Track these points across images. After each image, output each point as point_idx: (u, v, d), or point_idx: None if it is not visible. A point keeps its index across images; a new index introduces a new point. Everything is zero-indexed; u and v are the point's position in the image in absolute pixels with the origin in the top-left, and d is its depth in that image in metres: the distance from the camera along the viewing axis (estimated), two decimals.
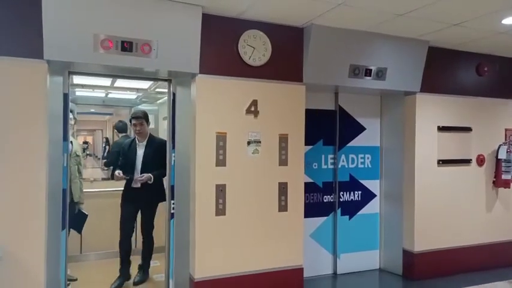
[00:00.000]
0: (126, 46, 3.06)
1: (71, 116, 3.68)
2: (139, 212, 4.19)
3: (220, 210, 3.51)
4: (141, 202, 4.11)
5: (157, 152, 4.03)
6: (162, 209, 4.13)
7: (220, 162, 3.51)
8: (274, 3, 3.21)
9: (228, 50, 3.52)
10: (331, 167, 4.59)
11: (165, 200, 3.83)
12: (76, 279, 4.18)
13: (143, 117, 4.14)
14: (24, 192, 2.88)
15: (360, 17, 3.52)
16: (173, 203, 3.61)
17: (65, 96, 3.25)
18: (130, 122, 4.22)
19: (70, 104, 3.46)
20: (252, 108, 3.62)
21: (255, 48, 3.60)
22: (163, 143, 3.94)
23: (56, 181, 3.14)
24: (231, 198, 3.54)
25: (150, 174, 4.01)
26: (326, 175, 4.56)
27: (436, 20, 3.55)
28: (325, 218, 4.56)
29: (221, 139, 3.51)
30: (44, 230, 2.96)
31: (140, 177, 4.00)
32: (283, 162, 3.76)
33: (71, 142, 3.92)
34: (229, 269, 3.54)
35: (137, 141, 4.19)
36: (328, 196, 4.58)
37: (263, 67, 3.65)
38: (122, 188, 4.21)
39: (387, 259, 4.73)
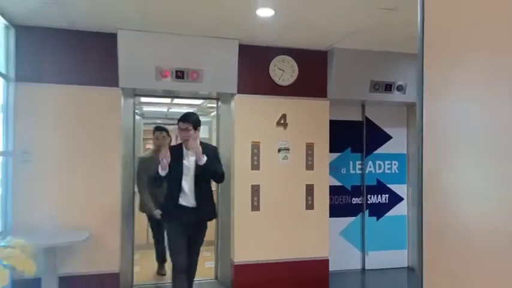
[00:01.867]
0: (179, 74, 3.91)
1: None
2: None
3: (255, 207, 4.22)
4: (192, 221, 3.33)
5: (209, 159, 3.33)
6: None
7: (255, 166, 4.22)
8: (299, 33, 3.88)
9: (261, 73, 4.24)
10: (359, 172, 5.10)
11: (216, 216, 3.69)
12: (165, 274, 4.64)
13: (192, 122, 3.31)
14: (105, 190, 3.84)
15: (374, 40, 4.06)
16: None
17: (133, 113, 4.24)
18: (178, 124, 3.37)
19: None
20: (282, 121, 4.30)
21: (284, 71, 4.29)
22: (214, 149, 3.67)
23: (128, 183, 4.12)
24: (264, 196, 4.23)
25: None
26: (354, 179, 5.08)
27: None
28: (354, 218, 5.06)
29: (255, 147, 4.22)
30: (119, 221, 3.91)
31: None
32: (309, 167, 4.37)
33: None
34: (262, 256, 4.22)
35: (184, 149, 3.37)
36: (357, 198, 5.08)
37: (291, 86, 4.32)
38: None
39: (416, 258, 5.08)
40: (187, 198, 3.31)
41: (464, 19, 1.16)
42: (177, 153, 3.32)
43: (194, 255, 3.47)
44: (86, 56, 3.78)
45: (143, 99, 5.31)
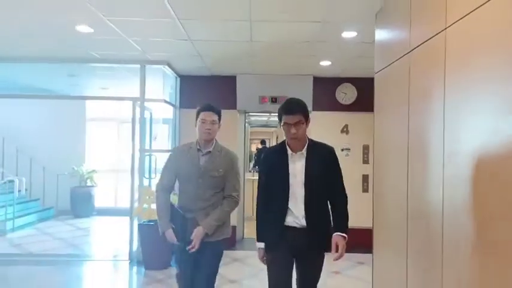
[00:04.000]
0: (274, 100, 6.02)
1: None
2: (295, 263, 2.54)
3: None
4: (302, 250, 2.45)
5: (324, 164, 2.47)
6: None
7: None
8: (354, 69, 5.64)
9: (329, 96, 6.10)
10: None
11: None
12: None
13: (302, 110, 2.41)
14: None
15: None
16: None
17: (244, 124, 6.51)
18: (280, 119, 2.43)
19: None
20: (344, 129, 6.10)
21: (346, 94, 6.08)
22: (330, 149, 2.55)
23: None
24: None
25: None
26: None
27: None
28: None
29: None
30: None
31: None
32: (365, 161, 6.08)
33: None
34: None
35: (289, 150, 2.46)
36: None
37: (351, 104, 6.08)
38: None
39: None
40: (295, 216, 2.40)
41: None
42: (277, 158, 2.46)
43: None
44: (217, 90, 6.12)
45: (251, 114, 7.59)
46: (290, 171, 2.42)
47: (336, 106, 6.11)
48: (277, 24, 3.69)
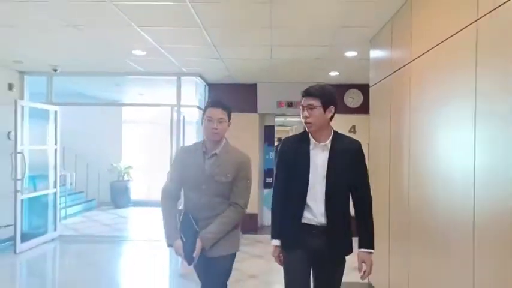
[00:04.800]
0: (289, 104, 6.93)
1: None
2: (313, 270, 2.29)
3: None
4: (320, 253, 2.19)
5: (349, 159, 2.20)
6: None
7: None
8: (361, 76, 6.49)
9: (338, 100, 6.93)
10: None
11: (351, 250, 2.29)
12: None
13: (318, 94, 2.16)
14: None
15: None
16: None
17: (263, 127, 7.45)
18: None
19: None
20: (352, 129, 6.96)
21: (354, 98, 6.94)
22: (357, 144, 2.28)
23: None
24: None
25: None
26: None
27: None
28: None
29: None
30: (258, 193, 7.13)
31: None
32: (369, 157, 6.93)
33: None
34: None
35: (312, 140, 2.21)
36: None
37: (358, 108, 6.94)
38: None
39: None
40: (313, 213, 2.18)
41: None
42: (298, 147, 2.24)
43: None
44: (240, 96, 7.07)
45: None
46: (311, 162, 2.17)
47: (345, 109, 6.98)
48: (293, 47, 4.60)
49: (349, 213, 2.27)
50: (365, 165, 2.28)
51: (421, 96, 2.83)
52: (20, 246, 5.51)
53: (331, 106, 2.22)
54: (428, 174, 2.68)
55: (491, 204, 1.91)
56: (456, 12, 2.28)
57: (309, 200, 2.19)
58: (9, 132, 5.76)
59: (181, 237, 2.39)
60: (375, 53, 4.20)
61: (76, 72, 6.19)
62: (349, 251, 2.27)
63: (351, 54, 4.78)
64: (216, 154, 2.41)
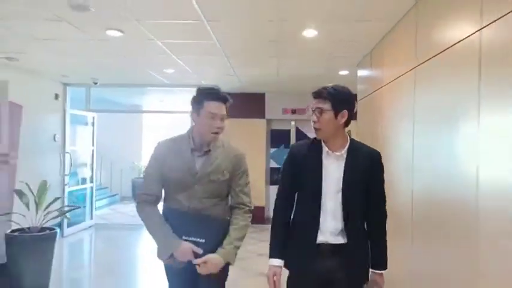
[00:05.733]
0: (293, 111, 7.95)
1: None
2: None
3: None
4: (333, 277, 1.93)
5: (367, 171, 1.98)
6: None
7: None
8: (353, 89, 7.48)
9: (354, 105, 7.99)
10: None
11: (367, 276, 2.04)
12: None
13: (328, 97, 1.94)
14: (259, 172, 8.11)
15: None
16: None
17: (268, 131, 8.49)
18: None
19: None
20: (348, 133, 7.97)
21: None
22: (376, 155, 2.04)
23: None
24: None
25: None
26: None
27: None
28: None
29: None
30: (264, 189, 8.16)
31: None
32: None
33: None
34: None
35: (325, 148, 1.98)
36: None
37: (354, 114, 7.95)
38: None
39: None
40: (327, 231, 1.92)
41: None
42: (308, 155, 1.99)
43: None
44: (250, 103, 8.09)
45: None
46: (324, 174, 1.92)
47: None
48: (296, 69, 5.63)
49: (365, 231, 2.02)
50: (383, 179, 2.05)
51: (388, 111, 3.84)
52: (67, 230, 6.60)
53: (345, 110, 1.96)
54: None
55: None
56: (400, 59, 3.29)
57: (322, 217, 1.92)
58: (54, 135, 6.82)
59: (185, 239, 2.02)
60: (362, 73, 5.21)
61: (111, 84, 7.25)
62: (367, 278, 2.00)
63: (344, 73, 5.80)
64: (209, 151, 2.11)
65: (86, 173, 7.52)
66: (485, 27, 2.03)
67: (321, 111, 1.97)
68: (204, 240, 2.02)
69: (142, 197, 2.14)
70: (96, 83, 6.82)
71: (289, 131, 8.38)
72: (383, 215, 2.07)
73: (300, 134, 8.25)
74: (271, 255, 1.99)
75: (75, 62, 5.44)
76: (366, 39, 4.13)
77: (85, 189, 7.44)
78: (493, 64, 1.97)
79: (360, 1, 3.10)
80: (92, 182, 7.53)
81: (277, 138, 8.52)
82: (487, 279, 1.96)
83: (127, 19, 3.52)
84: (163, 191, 2.21)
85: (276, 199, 2.10)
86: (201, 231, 2.03)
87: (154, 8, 3.29)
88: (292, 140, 8.27)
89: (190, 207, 2.08)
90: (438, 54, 2.61)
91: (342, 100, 1.98)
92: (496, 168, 1.92)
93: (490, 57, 2.00)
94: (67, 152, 6.54)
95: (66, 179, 6.50)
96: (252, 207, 2.21)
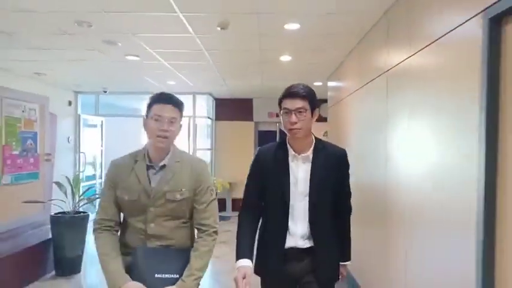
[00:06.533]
0: (277, 115, 9.02)
1: None
2: None
3: None
4: (305, 280, 1.98)
5: (334, 171, 2.01)
6: None
7: None
8: (326, 96, 8.62)
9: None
10: None
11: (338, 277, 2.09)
12: None
13: (307, 96, 1.94)
14: None
15: None
16: None
17: (255, 132, 9.61)
18: (280, 107, 2.04)
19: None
20: (325, 134, 9.12)
21: (325, 111, 9.09)
22: (342, 154, 2.07)
23: None
24: None
25: None
26: None
27: None
28: None
29: None
30: None
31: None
32: None
33: None
34: None
35: (291, 151, 1.99)
36: None
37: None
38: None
39: None
40: (297, 235, 1.93)
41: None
42: (275, 159, 1.98)
43: None
44: (239, 107, 9.17)
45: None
46: (291, 177, 1.92)
47: (320, 118, 9.09)
48: (277, 80, 6.74)
49: (335, 231, 2.02)
50: (348, 175, 2.08)
51: (358, 120, 4.97)
52: (92, 215, 7.59)
53: (317, 109, 1.97)
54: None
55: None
56: (349, 83, 4.40)
57: (291, 221, 1.92)
58: (68, 137, 7.81)
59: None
60: (332, 84, 6.33)
61: (118, 91, 8.26)
62: (337, 278, 2.04)
63: (318, 83, 6.93)
64: (164, 166, 1.93)
65: (95, 170, 8.52)
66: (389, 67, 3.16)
67: (302, 110, 1.89)
68: (177, 276, 1.84)
69: (99, 223, 1.93)
70: (105, 92, 7.82)
71: (274, 131, 9.49)
72: (349, 210, 2.12)
73: (283, 134, 9.22)
74: (239, 256, 1.89)
75: (91, 76, 6.46)
76: (329, 64, 5.27)
77: (94, 184, 8.44)
78: (396, 86, 3.09)
79: (323, 39, 4.21)
80: (100, 178, 8.53)
81: (264, 138, 9.58)
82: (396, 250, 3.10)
83: (143, 48, 4.58)
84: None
85: (242, 205, 2.04)
86: (171, 267, 1.86)
87: (165, 41, 4.36)
88: (277, 140, 9.31)
89: (149, 233, 1.87)
90: (371, 80, 3.74)
91: (315, 99, 1.96)
92: (397, 163, 3.06)
93: (393, 82, 3.13)
94: (82, 152, 7.54)
95: (81, 175, 7.49)
96: (217, 228, 1.96)
